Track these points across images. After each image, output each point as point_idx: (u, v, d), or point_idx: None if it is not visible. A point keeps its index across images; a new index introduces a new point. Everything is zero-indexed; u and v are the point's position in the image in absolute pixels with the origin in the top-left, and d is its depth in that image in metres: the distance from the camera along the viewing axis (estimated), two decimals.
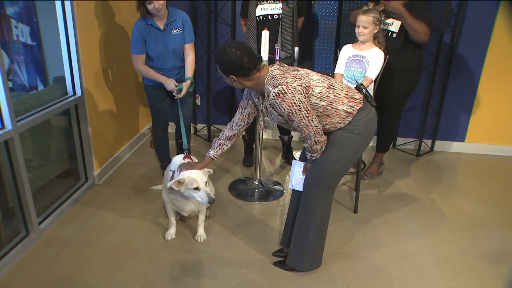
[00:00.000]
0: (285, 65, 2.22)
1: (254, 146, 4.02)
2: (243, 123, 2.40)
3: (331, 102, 2.11)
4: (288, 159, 4.10)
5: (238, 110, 2.40)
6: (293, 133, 4.23)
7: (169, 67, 3.25)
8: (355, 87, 2.33)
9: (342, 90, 2.16)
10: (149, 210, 3.23)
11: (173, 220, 2.88)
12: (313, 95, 2.08)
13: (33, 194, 2.81)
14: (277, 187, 3.62)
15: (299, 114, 2.04)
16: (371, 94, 2.75)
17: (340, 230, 3.02)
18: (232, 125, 2.41)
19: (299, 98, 2.00)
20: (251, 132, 3.95)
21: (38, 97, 2.97)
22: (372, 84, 3.08)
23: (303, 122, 2.07)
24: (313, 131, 2.11)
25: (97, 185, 3.61)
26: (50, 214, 3.05)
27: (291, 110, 2.02)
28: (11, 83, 3.52)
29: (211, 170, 2.61)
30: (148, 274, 2.54)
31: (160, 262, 2.64)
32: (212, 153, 2.45)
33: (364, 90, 2.29)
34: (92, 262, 2.63)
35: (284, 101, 2.00)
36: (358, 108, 2.19)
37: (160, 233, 2.95)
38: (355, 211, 3.25)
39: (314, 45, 4.34)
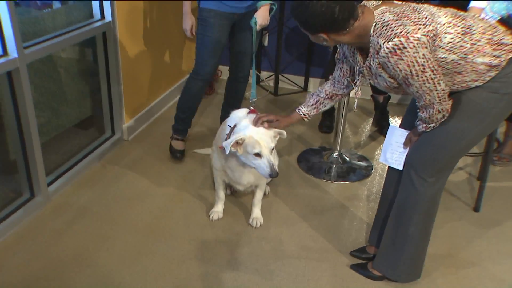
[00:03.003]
0: (394, 0, 2.10)
1: (336, 106, 3.94)
2: (345, 82, 2.36)
3: (466, 54, 1.97)
4: (382, 126, 4.03)
5: (337, 65, 2.38)
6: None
7: None
8: (498, 20, 2.11)
9: (483, 33, 2.00)
10: (191, 179, 3.25)
11: (221, 194, 2.89)
12: (440, 47, 1.96)
13: (42, 146, 2.81)
14: (363, 163, 3.57)
15: (422, 76, 1.93)
16: None
17: (451, 232, 2.91)
18: (334, 82, 2.40)
19: (423, 54, 1.89)
20: None
21: (53, 18, 2.93)
22: None
23: (425, 87, 1.96)
24: (438, 97, 2.00)
25: (126, 141, 3.66)
26: (62, 174, 3.08)
27: (410, 72, 1.92)
28: None
29: (284, 133, 2.53)
30: (185, 262, 2.54)
31: (201, 248, 2.65)
32: (304, 110, 2.43)
33: None
34: (113, 240, 2.66)
35: (402, 59, 1.90)
36: (509, 57, 2.01)
37: (203, 209, 2.96)
38: (477, 209, 3.11)
39: None
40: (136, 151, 3.52)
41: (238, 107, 3.23)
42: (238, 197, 3.08)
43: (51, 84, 3.08)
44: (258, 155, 2.40)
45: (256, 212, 2.86)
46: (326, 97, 2.40)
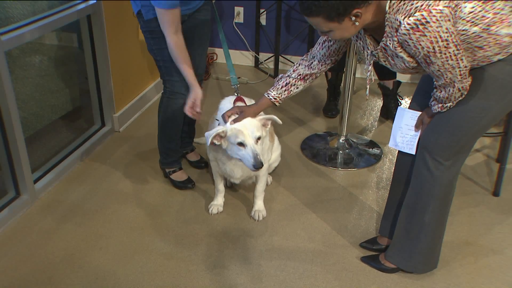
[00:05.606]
0: None
1: (341, 88, 3.92)
2: (328, 61, 2.36)
3: (488, 25, 1.94)
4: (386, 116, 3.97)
5: (320, 41, 2.33)
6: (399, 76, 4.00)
7: None
8: None
9: (507, 0, 1.98)
10: (188, 171, 3.22)
11: (221, 186, 2.89)
12: (461, 19, 1.94)
13: (27, 141, 2.80)
14: (372, 150, 3.56)
15: (445, 53, 1.91)
16: None
17: (469, 218, 2.90)
18: (312, 62, 2.37)
19: (447, 28, 1.86)
20: (338, 69, 3.83)
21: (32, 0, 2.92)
22: None
23: (448, 64, 1.94)
24: (460, 74, 1.97)
25: (117, 133, 3.65)
26: (50, 170, 3.08)
27: (433, 48, 1.89)
28: None
29: (275, 117, 2.51)
30: (183, 260, 2.54)
31: (201, 244, 2.65)
32: (273, 93, 2.41)
33: None
34: (106, 239, 2.66)
35: (425, 35, 1.87)
36: None
37: (202, 203, 2.96)
38: (496, 193, 3.10)
39: None
40: (128, 143, 3.50)
41: (194, 121, 3.16)
42: (239, 189, 3.07)
43: (33, 73, 3.03)
44: (242, 145, 2.40)
45: (259, 204, 2.85)
46: (298, 78, 2.38)
